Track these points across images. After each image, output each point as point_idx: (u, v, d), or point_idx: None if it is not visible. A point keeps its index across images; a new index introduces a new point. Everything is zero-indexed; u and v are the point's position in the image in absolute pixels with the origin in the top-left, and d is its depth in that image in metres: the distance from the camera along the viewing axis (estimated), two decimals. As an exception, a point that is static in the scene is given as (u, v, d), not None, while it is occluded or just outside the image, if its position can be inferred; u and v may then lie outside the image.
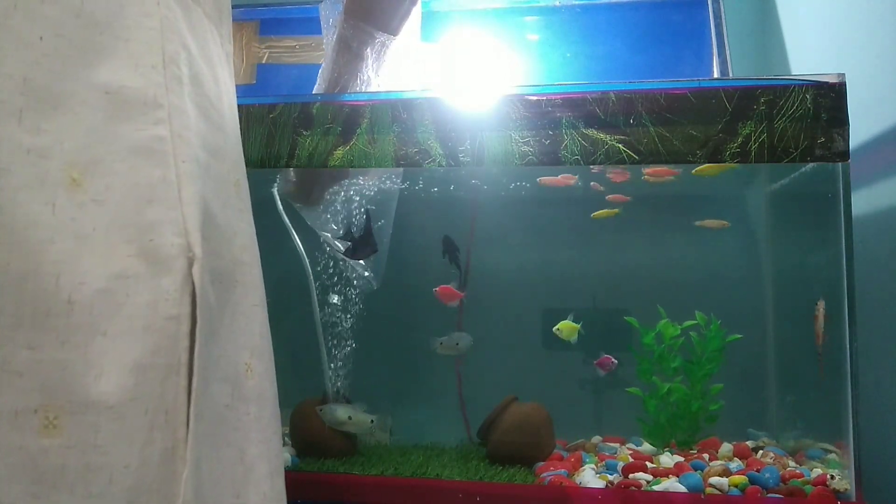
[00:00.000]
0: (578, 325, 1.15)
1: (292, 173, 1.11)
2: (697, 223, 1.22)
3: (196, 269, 0.50)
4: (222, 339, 0.54)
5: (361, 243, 1.13)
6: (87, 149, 0.48)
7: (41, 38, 0.47)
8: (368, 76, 1.05)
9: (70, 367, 0.45)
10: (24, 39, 0.46)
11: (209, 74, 0.58)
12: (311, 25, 1.45)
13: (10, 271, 0.44)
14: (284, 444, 1.18)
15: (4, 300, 0.44)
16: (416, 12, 1.07)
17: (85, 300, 0.46)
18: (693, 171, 1.09)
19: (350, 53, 1.03)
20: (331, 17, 1.09)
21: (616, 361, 1.13)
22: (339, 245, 1.14)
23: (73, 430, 0.45)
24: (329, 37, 1.08)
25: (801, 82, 0.90)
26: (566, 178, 1.20)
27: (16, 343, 0.44)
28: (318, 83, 1.08)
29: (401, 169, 1.14)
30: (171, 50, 0.52)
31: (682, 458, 1.06)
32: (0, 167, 0.44)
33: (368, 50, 1.03)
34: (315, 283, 1.19)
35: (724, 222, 1.22)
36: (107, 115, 0.49)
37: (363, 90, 1.05)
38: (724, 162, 0.91)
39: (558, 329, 1.15)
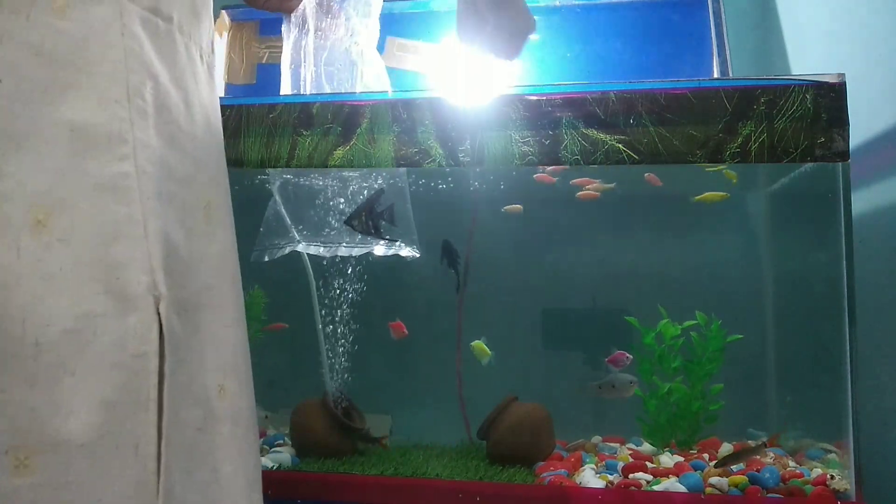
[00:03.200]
0: (490, 353, 1.15)
1: None
2: (695, 198, 1.20)
3: (162, 307, 0.50)
4: (192, 365, 0.54)
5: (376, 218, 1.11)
6: (51, 188, 0.47)
7: (0, 80, 0.46)
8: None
9: (39, 407, 0.45)
10: None
11: (179, 98, 0.57)
12: (311, 25, 1.45)
13: None
14: (284, 444, 1.18)
15: None
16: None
17: (52, 341, 0.46)
18: (694, 199, 1.13)
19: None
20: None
21: (630, 357, 1.11)
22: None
23: (45, 468, 0.45)
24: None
25: (801, 82, 0.90)
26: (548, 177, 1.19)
27: None
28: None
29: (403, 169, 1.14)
30: (135, 81, 0.52)
31: (682, 458, 1.06)
32: None
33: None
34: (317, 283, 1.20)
35: (724, 194, 1.20)
36: (71, 153, 0.48)
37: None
38: (724, 161, 0.91)
39: (472, 347, 1.16)
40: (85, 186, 0.48)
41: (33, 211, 0.47)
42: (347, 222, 1.10)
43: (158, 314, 0.50)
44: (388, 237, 1.14)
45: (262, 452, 1.13)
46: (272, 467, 1.06)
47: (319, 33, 1.07)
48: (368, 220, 1.09)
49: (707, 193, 1.19)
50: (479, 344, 1.15)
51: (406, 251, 1.20)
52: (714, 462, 1.01)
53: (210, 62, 0.65)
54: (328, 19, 1.05)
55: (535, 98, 0.96)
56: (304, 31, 1.09)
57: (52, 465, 0.45)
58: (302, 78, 1.11)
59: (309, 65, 1.10)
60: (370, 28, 1.11)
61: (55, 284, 0.47)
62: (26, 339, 0.45)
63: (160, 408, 0.50)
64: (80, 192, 0.48)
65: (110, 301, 0.48)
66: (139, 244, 0.50)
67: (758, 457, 1.01)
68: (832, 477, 0.93)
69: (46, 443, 0.45)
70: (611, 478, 0.98)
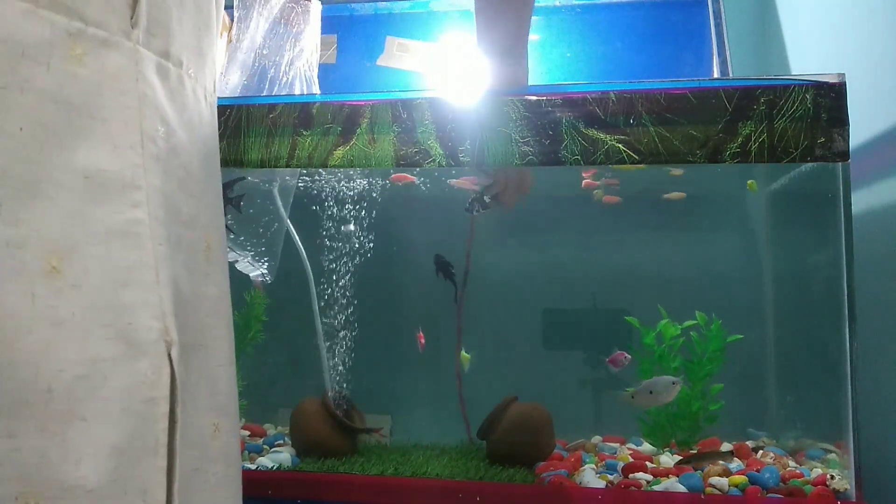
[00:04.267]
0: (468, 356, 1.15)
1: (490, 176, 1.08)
2: (665, 196, 1.20)
3: (174, 352, 0.51)
4: (190, 406, 0.54)
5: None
6: (64, 234, 0.47)
7: (21, 128, 0.46)
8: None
9: (49, 453, 0.45)
10: (4, 132, 0.45)
11: (187, 141, 0.58)
12: (311, 25, 1.45)
13: None
14: (284, 444, 1.18)
15: None
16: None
17: (63, 387, 0.46)
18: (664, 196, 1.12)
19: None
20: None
21: (629, 357, 1.11)
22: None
23: None
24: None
25: (801, 82, 0.90)
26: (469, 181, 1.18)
27: None
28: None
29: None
30: (149, 127, 0.52)
31: (682, 458, 1.06)
32: None
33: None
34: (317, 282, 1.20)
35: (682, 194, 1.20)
36: (84, 199, 0.48)
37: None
38: (724, 162, 0.91)
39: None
40: (98, 232, 0.49)
41: (47, 257, 0.46)
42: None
43: (170, 359, 0.51)
44: (230, 228, 1.12)
45: (263, 452, 1.13)
46: (272, 467, 1.06)
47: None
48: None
49: (672, 194, 1.19)
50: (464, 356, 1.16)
51: (256, 273, 1.20)
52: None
53: (213, 101, 0.65)
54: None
55: (535, 98, 0.96)
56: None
57: None
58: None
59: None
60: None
61: (67, 330, 0.47)
62: (38, 385, 0.45)
63: (170, 453, 0.50)
64: (92, 238, 0.48)
65: (121, 346, 0.49)
66: (151, 290, 0.50)
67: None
68: (832, 477, 0.93)
69: (56, 489, 0.45)
70: (611, 478, 0.98)
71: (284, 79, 1.12)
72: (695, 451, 1.04)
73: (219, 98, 0.68)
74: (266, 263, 1.19)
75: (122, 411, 0.48)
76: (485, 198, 1.09)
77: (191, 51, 0.60)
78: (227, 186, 1.09)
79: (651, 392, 1.02)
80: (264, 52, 1.11)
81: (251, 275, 1.19)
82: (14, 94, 0.46)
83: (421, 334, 1.16)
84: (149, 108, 0.53)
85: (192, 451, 0.54)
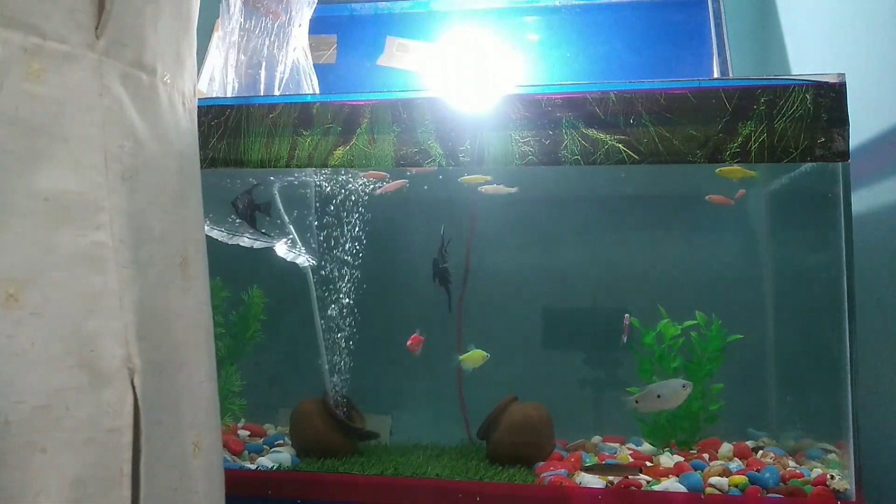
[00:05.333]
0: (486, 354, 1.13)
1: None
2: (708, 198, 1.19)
3: (137, 380, 0.50)
4: (169, 425, 0.54)
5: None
6: (24, 262, 0.46)
7: None
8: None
9: (8, 488, 0.44)
10: None
11: (160, 153, 0.56)
12: (310, 26, 1.45)
13: None
14: (284, 444, 1.18)
15: None
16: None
17: (23, 419, 0.45)
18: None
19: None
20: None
21: (627, 315, 1.10)
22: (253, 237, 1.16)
23: None
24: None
25: (801, 82, 0.90)
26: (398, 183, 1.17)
27: None
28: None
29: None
30: (113, 145, 0.50)
31: (682, 458, 1.06)
32: None
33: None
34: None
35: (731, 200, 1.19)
36: (46, 224, 0.47)
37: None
38: (724, 161, 0.91)
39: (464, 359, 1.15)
40: (59, 258, 0.47)
41: (4, 286, 0.45)
42: (233, 202, 1.12)
43: (133, 387, 0.49)
44: (263, 231, 1.15)
45: (263, 452, 1.13)
46: (272, 467, 1.06)
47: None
48: (247, 207, 1.11)
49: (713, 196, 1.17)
50: (471, 355, 1.15)
51: (302, 259, 1.21)
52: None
53: (192, 108, 0.63)
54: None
55: (535, 98, 0.96)
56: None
57: None
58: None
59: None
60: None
61: (26, 360, 0.45)
62: None
63: (136, 481, 0.49)
64: (54, 265, 0.47)
65: (84, 375, 0.47)
66: (114, 315, 0.49)
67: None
68: (832, 477, 0.93)
69: None
70: (611, 478, 0.98)
71: (279, 75, 1.12)
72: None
73: (218, 98, 0.68)
74: (305, 250, 1.21)
75: (85, 442, 0.47)
76: None
77: (167, 56, 0.58)
78: (247, 194, 1.11)
79: (659, 396, 0.99)
80: (257, 48, 1.11)
81: (297, 261, 1.20)
82: None
83: (417, 336, 1.16)
84: (113, 124, 0.51)
85: (171, 471, 0.53)
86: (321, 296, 1.21)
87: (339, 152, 0.99)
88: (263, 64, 1.05)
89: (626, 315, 1.11)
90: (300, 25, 1.10)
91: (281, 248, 1.19)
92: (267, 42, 1.05)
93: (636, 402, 1.01)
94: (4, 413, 0.44)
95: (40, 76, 0.47)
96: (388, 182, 1.14)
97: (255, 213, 1.12)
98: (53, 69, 0.48)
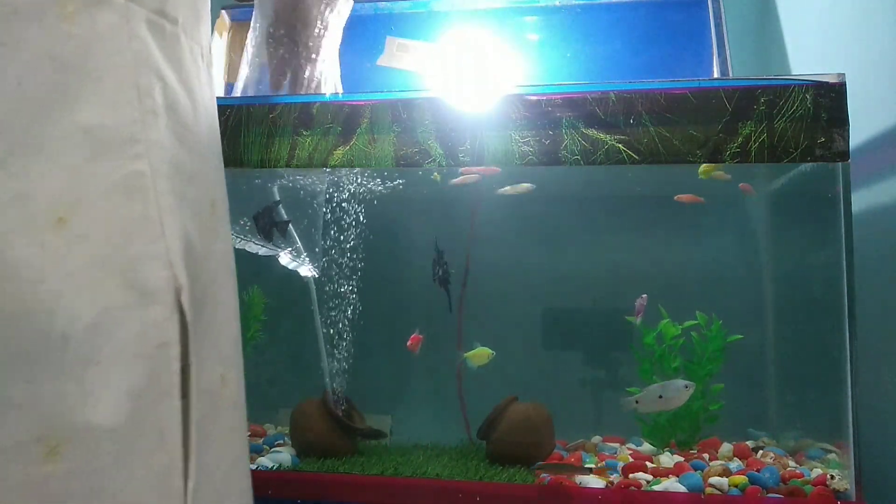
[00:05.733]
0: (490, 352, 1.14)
1: None
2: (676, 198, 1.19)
3: (184, 298, 0.52)
4: (201, 356, 0.56)
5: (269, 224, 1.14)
6: (70, 188, 0.49)
7: (20, 83, 0.48)
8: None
9: (68, 396, 0.47)
10: (3, 88, 0.47)
11: (186, 98, 0.58)
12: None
13: (4, 312, 0.45)
14: (284, 444, 1.18)
15: (2, 337, 0.45)
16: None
17: (78, 333, 0.47)
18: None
19: (310, 31, 1.02)
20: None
21: (645, 296, 1.09)
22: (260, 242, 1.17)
23: (75, 456, 0.47)
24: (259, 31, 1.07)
25: (801, 82, 0.90)
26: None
27: (14, 378, 0.46)
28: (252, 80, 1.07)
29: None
30: (144, 83, 0.53)
31: (682, 458, 1.06)
32: None
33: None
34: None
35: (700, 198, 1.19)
36: (86, 155, 0.50)
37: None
38: (724, 162, 0.91)
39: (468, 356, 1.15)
40: (101, 187, 0.50)
41: (54, 209, 0.48)
42: (255, 218, 1.13)
43: (179, 304, 0.52)
44: (280, 246, 1.16)
45: (263, 452, 1.13)
46: (272, 467, 1.06)
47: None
48: (268, 223, 1.13)
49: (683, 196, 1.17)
50: (477, 352, 1.15)
51: (305, 269, 1.21)
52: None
53: (209, 62, 0.66)
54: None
55: (535, 98, 0.96)
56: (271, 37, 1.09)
57: (81, 453, 0.47)
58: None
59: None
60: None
61: (77, 280, 0.48)
62: (54, 331, 0.47)
63: (185, 395, 0.52)
64: (96, 192, 0.50)
65: (131, 295, 0.50)
66: (157, 240, 0.52)
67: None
68: (832, 477, 0.93)
69: (77, 430, 0.47)
70: (611, 478, 0.98)
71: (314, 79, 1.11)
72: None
73: (218, 98, 0.69)
74: (309, 259, 1.21)
75: (136, 357, 0.50)
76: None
77: (187, 9, 0.60)
78: (269, 211, 1.12)
79: (661, 396, 0.98)
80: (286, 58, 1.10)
81: (299, 270, 1.20)
82: (10, 51, 0.47)
83: (416, 335, 1.16)
84: (143, 64, 0.53)
85: (203, 397, 0.55)
86: (321, 296, 1.21)
87: (339, 152, 0.99)
88: (288, 73, 1.04)
89: (644, 295, 1.10)
90: (327, 36, 1.09)
91: (284, 258, 1.20)
92: (297, 51, 1.05)
93: (636, 402, 1.01)
94: (61, 327, 0.47)
95: (73, 18, 0.50)
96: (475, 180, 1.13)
97: (273, 229, 1.13)
98: (85, 12, 0.50)
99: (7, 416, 0.45)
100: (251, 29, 1.08)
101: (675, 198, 1.15)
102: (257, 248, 1.17)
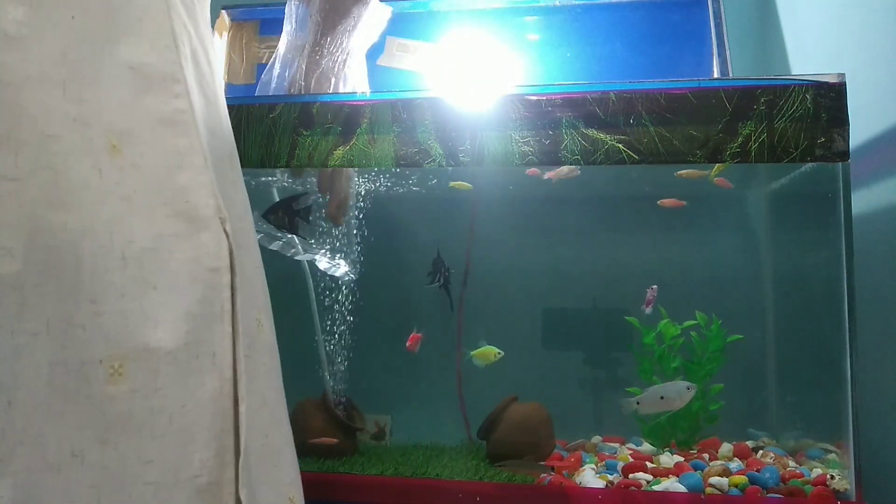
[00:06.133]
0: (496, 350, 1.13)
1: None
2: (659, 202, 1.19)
3: (228, 227, 0.54)
4: (241, 291, 0.57)
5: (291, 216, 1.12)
6: (120, 118, 0.51)
7: (73, 17, 0.50)
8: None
9: (130, 316, 0.48)
10: (59, 18, 0.49)
11: (203, 54, 0.61)
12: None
13: (68, 230, 0.47)
14: (284, 444, 1.18)
15: (66, 257, 0.47)
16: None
17: (135, 256, 0.49)
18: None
19: (343, 26, 1.02)
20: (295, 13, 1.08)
21: (655, 287, 1.09)
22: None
23: (137, 375, 0.48)
24: (295, 32, 1.07)
25: (801, 82, 0.90)
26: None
27: (77, 298, 0.47)
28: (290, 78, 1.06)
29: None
30: (178, 30, 0.56)
31: (682, 458, 1.06)
32: (51, 134, 0.47)
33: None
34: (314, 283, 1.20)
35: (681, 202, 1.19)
36: (133, 89, 0.52)
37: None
38: (724, 162, 0.91)
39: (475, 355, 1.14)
40: (149, 119, 0.53)
41: (108, 136, 0.50)
42: (264, 215, 1.11)
43: (226, 232, 0.54)
44: (303, 235, 1.13)
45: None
46: (272, 467, 1.06)
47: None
48: (285, 215, 1.10)
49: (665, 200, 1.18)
50: (483, 351, 1.14)
51: (342, 270, 1.21)
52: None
53: (210, 33, 0.69)
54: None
55: (535, 98, 0.96)
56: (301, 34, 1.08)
57: (143, 373, 0.48)
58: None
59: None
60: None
61: (132, 205, 0.50)
62: (114, 252, 0.49)
63: (234, 319, 0.53)
64: (144, 125, 0.52)
65: (181, 223, 0.52)
66: (202, 172, 0.54)
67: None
68: (832, 477, 0.93)
69: (139, 350, 0.48)
70: (611, 478, 0.98)
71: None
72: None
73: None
74: (345, 261, 1.21)
75: (190, 281, 0.52)
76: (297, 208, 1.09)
77: None
78: (290, 200, 1.10)
79: (662, 398, 0.98)
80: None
81: (336, 273, 1.20)
82: None
83: (415, 335, 1.15)
84: (174, 12, 0.56)
85: (245, 338, 0.57)
86: (321, 296, 1.21)
87: (339, 152, 0.99)
88: (332, 79, 1.04)
89: (654, 286, 1.10)
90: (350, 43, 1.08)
91: (322, 262, 1.19)
92: (337, 57, 1.04)
93: (637, 403, 1.01)
94: (121, 249, 0.49)
95: None
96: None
97: (296, 219, 1.11)
98: None
99: (73, 335, 0.46)
100: (284, 32, 1.08)
101: (659, 203, 1.16)
102: (298, 251, 1.16)
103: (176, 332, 0.50)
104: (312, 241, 1.18)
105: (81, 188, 0.48)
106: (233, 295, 0.54)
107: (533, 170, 1.16)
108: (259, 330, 0.61)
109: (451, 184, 1.20)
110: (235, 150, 0.67)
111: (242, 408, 0.52)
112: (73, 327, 0.46)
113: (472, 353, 1.14)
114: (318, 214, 1.13)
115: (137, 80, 0.52)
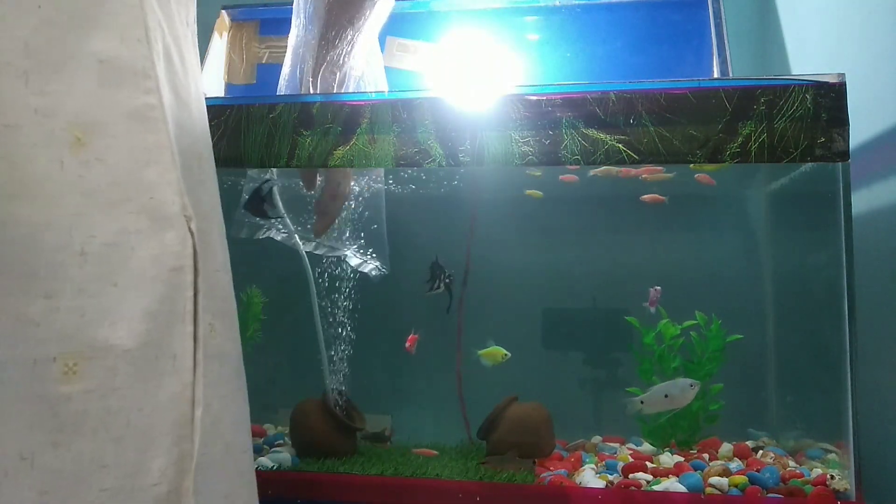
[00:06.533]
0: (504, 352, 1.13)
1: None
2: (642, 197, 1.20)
3: (193, 226, 0.53)
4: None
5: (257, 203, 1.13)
6: (87, 111, 0.50)
7: (39, 6, 0.49)
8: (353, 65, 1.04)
9: (88, 313, 0.47)
10: (24, 6, 0.48)
11: (176, 52, 0.60)
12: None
13: (25, 223, 0.46)
14: (284, 444, 1.18)
15: (21, 251, 0.45)
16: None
17: (96, 252, 0.48)
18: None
19: (347, 19, 1.02)
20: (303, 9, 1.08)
21: (658, 288, 1.09)
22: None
23: (94, 374, 0.47)
24: (302, 28, 1.07)
25: (801, 82, 0.90)
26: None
27: (31, 293, 0.46)
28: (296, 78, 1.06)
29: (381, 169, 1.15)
30: (151, 25, 0.55)
31: (682, 458, 1.06)
32: (11, 124, 0.46)
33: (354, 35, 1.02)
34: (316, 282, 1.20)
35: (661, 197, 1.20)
36: (102, 81, 0.51)
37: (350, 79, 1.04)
38: (724, 162, 0.91)
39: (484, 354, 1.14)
40: (117, 113, 0.51)
41: (71, 129, 0.49)
42: (244, 209, 1.13)
43: (191, 231, 0.53)
44: (272, 216, 1.14)
45: (263, 452, 1.13)
46: (272, 467, 1.06)
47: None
48: (257, 205, 1.12)
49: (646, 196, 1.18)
50: (491, 351, 1.15)
51: (371, 266, 1.21)
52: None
53: (193, 31, 0.68)
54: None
55: (535, 98, 0.96)
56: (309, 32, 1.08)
57: (99, 372, 0.47)
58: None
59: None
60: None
61: (95, 200, 0.49)
62: (73, 247, 0.47)
63: (195, 321, 0.52)
64: (113, 118, 0.51)
65: (146, 219, 0.51)
66: (170, 168, 0.53)
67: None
68: (832, 477, 0.93)
69: (96, 348, 0.47)
70: (611, 478, 0.98)
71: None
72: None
73: (218, 98, 0.69)
74: (376, 257, 1.21)
75: (152, 279, 0.50)
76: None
77: None
78: (257, 190, 1.12)
79: (666, 396, 0.97)
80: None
81: (366, 269, 1.20)
82: None
83: (413, 336, 1.15)
84: (149, 9, 0.55)
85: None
86: (321, 296, 1.21)
87: (339, 152, 0.99)
88: (337, 74, 1.04)
89: (658, 287, 1.10)
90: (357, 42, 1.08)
91: (353, 258, 1.20)
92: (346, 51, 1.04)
93: (641, 402, 1.00)
94: (80, 244, 0.48)
95: None
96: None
97: (262, 206, 1.13)
98: None
99: (26, 332, 0.45)
100: (293, 26, 1.08)
101: (641, 198, 1.17)
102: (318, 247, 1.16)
103: (135, 330, 0.48)
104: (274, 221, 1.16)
105: (41, 181, 0.47)
106: (195, 296, 0.52)
107: (570, 176, 1.16)
108: (211, 335, 0.59)
109: (527, 192, 1.22)
110: (209, 150, 0.65)
111: (198, 412, 0.51)
112: (25, 324, 0.45)
113: (480, 352, 1.14)
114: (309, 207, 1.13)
115: (107, 72, 0.51)
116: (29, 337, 0.45)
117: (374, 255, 1.21)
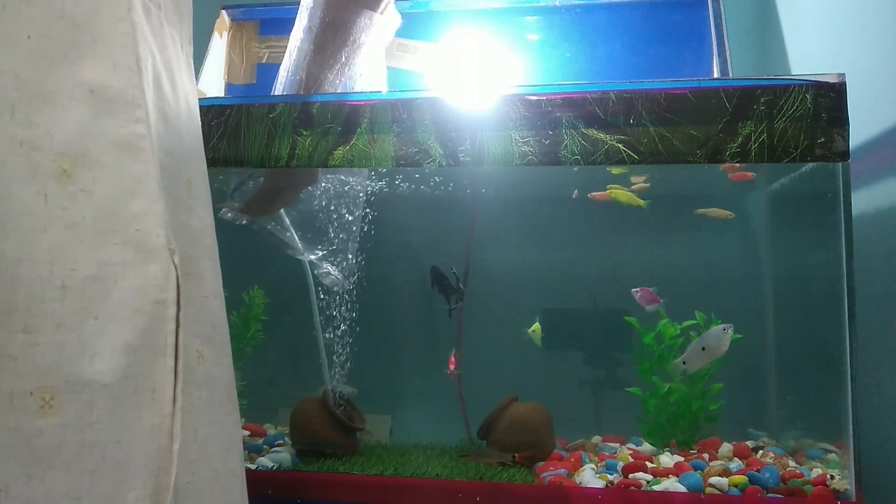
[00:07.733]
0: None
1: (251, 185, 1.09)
2: (699, 211, 1.21)
3: (176, 259, 0.53)
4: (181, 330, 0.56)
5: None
6: (75, 141, 0.50)
7: (29, 36, 0.49)
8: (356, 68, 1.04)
9: (67, 348, 0.47)
10: (13, 37, 0.48)
11: (167, 77, 0.60)
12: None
13: (5, 258, 0.46)
14: (284, 444, 1.18)
15: (1, 285, 0.45)
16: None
17: (77, 285, 0.48)
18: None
19: (341, 40, 1.02)
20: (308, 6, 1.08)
21: (638, 290, 1.10)
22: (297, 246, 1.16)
23: (70, 408, 0.47)
24: (309, 25, 1.07)
25: (801, 82, 0.90)
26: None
27: (10, 328, 0.46)
28: (295, 78, 1.06)
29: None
30: (142, 53, 0.55)
31: (682, 458, 1.06)
32: None
33: (364, 36, 1.02)
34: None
35: (729, 213, 1.21)
36: (92, 111, 0.51)
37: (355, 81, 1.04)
38: (724, 162, 0.91)
39: (533, 330, 1.15)
40: (106, 143, 0.51)
41: (59, 160, 0.49)
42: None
43: (175, 265, 0.53)
44: (239, 210, 1.12)
45: (263, 452, 1.13)
46: (272, 467, 1.06)
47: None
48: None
49: (711, 210, 1.20)
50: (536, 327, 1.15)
51: (330, 280, 1.20)
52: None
53: (188, 52, 0.67)
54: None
55: (535, 98, 0.96)
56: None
57: (76, 406, 0.47)
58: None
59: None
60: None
61: (79, 232, 0.49)
62: (53, 281, 0.47)
63: (177, 354, 0.52)
64: (100, 148, 0.51)
65: (130, 251, 0.51)
66: (156, 200, 0.53)
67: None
68: (832, 477, 0.93)
69: (73, 382, 0.47)
70: (611, 478, 0.98)
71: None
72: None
73: (218, 98, 0.69)
74: (339, 266, 1.20)
75: (134, 312, 0.50)
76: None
77: (167, 1, 0.62)
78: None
79: (704, 349, 0.97)
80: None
81: (325, 281, 1.20)
82: (22, 5, 0.49)
83: (452, 358, 1.16)
84: (140, 35, 0.55)
85: (182, 372, 0.55)
86: (321, 295, 1.21)
87: (339, 152, 0.99)
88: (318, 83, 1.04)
89: (638, 290, 1.10)
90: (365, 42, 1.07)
91: (313, 263, 1.19)
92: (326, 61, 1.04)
93: (684, 363, 0.99)
94: (61, 278, 0.47)
95: None
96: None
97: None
98: None
99: (4, 366, 0.45)
100: (296, 27, 1.08)
101: (589, 196, 1.18)
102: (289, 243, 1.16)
103: (115, 364, 0.48)
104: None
105: (22, 215, 0.46)
106: (177, 328, 0.52)
107: (601, 195, 1.16)
108: (199, 362, 0.59)
109: (697, 210, 1.21)
110: (201, 173, 0.65)
111: (175, 446, 0.51)
112: (3, 358, 0.45)
113: (529, 330, 1.14)
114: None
115: (97, 102, 0.51)
116: (7, 371, 0.45)
117: (336, 264, 1.20)
